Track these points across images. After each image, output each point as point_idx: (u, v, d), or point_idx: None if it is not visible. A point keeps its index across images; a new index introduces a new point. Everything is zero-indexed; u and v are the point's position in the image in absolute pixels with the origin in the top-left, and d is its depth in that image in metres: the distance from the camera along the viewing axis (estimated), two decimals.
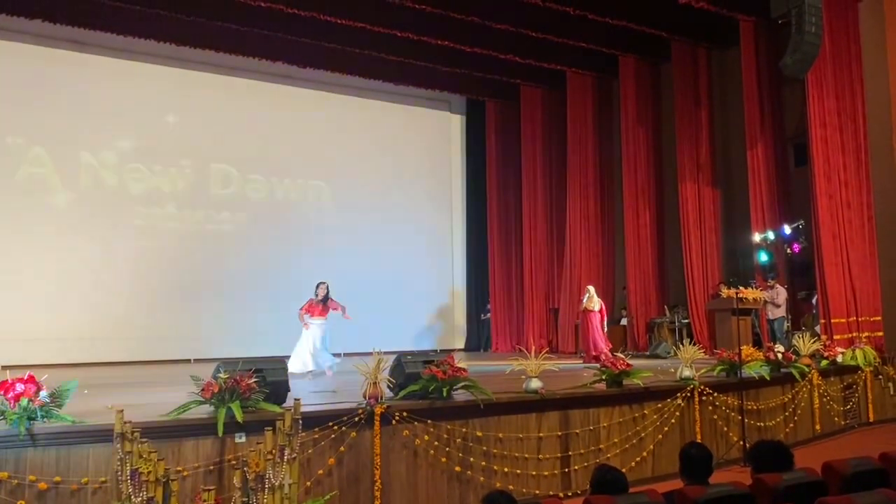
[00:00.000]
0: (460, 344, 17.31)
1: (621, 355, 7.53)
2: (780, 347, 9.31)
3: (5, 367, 5.99)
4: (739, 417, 7.88)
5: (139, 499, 4.41)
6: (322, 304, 10.17)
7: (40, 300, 12.74)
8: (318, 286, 10.34)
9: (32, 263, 12.80)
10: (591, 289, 12.62)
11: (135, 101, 14.06)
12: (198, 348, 13.24)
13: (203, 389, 5.31)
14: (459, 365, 6.29)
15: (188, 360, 12.70)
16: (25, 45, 13.09)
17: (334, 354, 10.20)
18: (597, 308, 12.29)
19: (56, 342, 12.47)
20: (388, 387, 6.09)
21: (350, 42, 13.56)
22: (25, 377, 4.76)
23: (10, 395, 4.65)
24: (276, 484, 4.79)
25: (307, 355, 9.81)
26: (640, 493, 3.28)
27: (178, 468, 4.99)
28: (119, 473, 4.43)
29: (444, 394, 6.02)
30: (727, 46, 13.56)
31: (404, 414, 5.82)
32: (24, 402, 4.65)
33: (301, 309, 10.16)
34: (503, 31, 13.03)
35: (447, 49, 13.77)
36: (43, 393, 4.78)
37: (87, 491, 4.78)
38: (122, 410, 4.58)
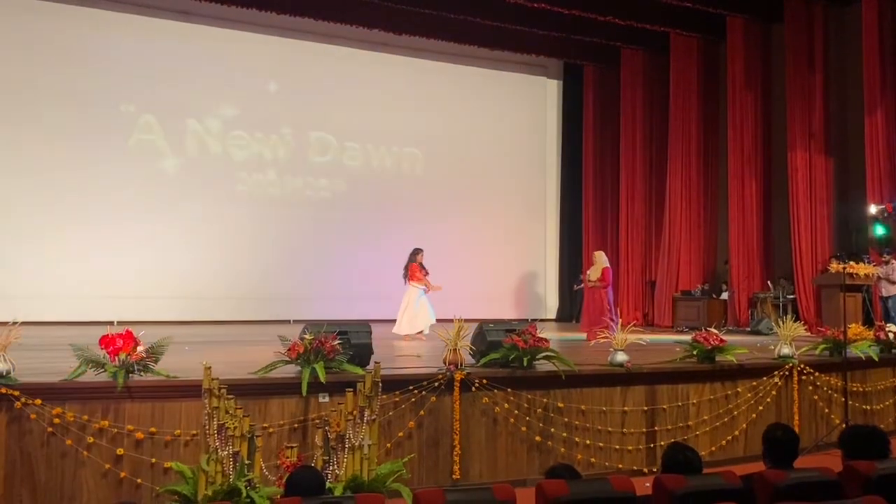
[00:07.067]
0: (552, 314, 17.11)
1: (714, 330, 7.20)
2: (892, 327, 8.72)
3: (120, 323, 6.37)
4: (843, 399, 7.45)
5: (225, 452, 4.58)
6: (422, 269, 10.32)
7: (151, 260, 13.40)
8: (418, 252, 10.43)
9: (145, 225, 13.43)
10: (596, 255, 11.27)
11: (237, 70, 14.44)
12: (297, 310, 13.64)
13: (289, 350, 5.48)
14: (543, 335, 6.22)
15: (287, 321, 13.13)
16: (136, 16, 13.63)
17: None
18: (593, 277, 10.87)
19: (165, 301, 13.13)
20: (470, 354, 6.09)
21: (445, 7, 13.43)
22: (124, 333, 5.03)
23: (110, 349, 4.93)
24: (356, 444, 4.86)
25: (416, 318, 10.07)
26: (715, 475, 3.13)
27: (264, 425, 5.18)
28: (206, 427, 4.62)
29: (525, 363, 5.96)
30: (846, 3, 12.59)
31: (484, 381, 5.81)
32: (122, 356, 4.93)
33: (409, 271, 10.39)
34: None
35: (544, 12, 13.37)
36: (140, 348, 5.04)
37: (180, 442, 5.03)
38: (209, 367, 4.74)
